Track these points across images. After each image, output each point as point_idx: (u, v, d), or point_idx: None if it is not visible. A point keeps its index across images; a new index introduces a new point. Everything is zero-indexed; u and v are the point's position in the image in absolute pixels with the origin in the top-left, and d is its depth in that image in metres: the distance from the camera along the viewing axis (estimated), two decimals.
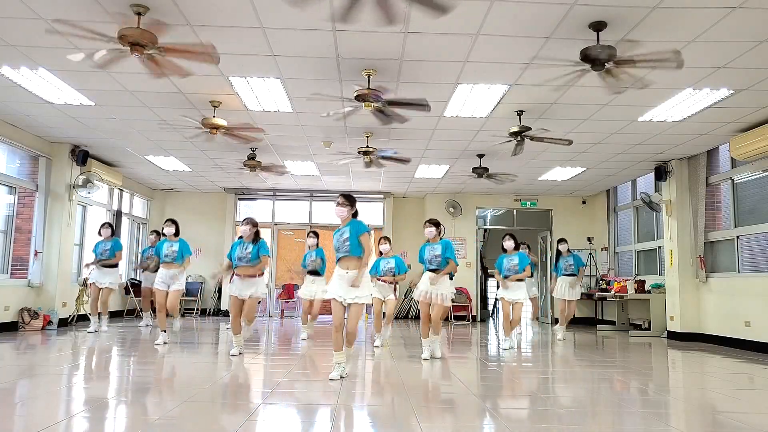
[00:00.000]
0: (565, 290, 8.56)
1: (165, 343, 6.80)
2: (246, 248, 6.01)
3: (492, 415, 3.62)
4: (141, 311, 9.32)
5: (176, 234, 7.03)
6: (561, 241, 8.82)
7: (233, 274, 6.11)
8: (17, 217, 8.62)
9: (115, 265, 8.34)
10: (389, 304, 7.30)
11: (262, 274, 6.15)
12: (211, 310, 12.45)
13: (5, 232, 8.44)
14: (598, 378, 5.16)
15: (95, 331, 8.03)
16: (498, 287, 7.74)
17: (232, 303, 6.07)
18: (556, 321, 9.78)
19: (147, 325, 8.91)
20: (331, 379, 4.64)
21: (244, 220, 6.15)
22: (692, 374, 5.65)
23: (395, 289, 7.34)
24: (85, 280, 9.39)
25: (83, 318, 9.39)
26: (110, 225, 8.51)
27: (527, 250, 8.93)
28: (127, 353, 6.14)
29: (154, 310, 10.26)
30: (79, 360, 5.61)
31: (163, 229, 7.11)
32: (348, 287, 4.65)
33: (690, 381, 5.27)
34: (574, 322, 11.30)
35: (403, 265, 7.33)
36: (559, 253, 8.74)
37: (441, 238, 6.26)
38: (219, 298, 12.48)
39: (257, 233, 6.10)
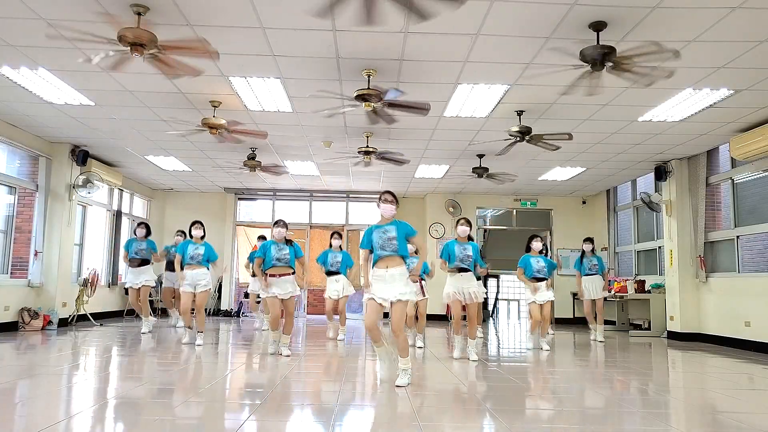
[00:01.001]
0: (592, 290, 8.49)
1: (193, 341, 6.91)
2: (282, 250, 6.12)
3: (492, 415, 3.62)
4: (158, 311, 9.35)
5: (203, 237, 7.14)
6: (587, 240, 8.69)
7: (266, 275, 6.13)
8: (17, 217, 8.62)
9: (149, 263, 8.47)
10: (420, 304, 7.27)
11: (294, 272, 6.23)
12: (212, 310, 12.45)
13: (5, 232, 8.43)
14: (599, 378, 5.16)
15: (149, 331, 8.21)
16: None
17: (271, 303, 6.10)
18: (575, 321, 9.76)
19: (176, 326, 9.02)
20: (397, 386, 4.44)
21: (277, 222, 6.26)
22: (692, 374, 5.65)
23: (422, 287, 7.19)
24: (86, 280, 9.43)
25: (83, 318, 9.39)
26: (146, 225, 8.62)
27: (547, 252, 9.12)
28: (127, 353, 6.14)
29: (154, 310, 10.35)
30: (79, 360, 5.61)
31: (191, 230, 7.15)
32: (388, 287, 4.55)
33: (690, 381, 5.27)
34: (572, 322, 11.32)
35: (425, 264, 7.33)
36: (583, 253, 8.65)
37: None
38: (219, 298, 12.49)
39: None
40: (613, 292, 10.04)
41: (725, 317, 8.10)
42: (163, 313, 10.58)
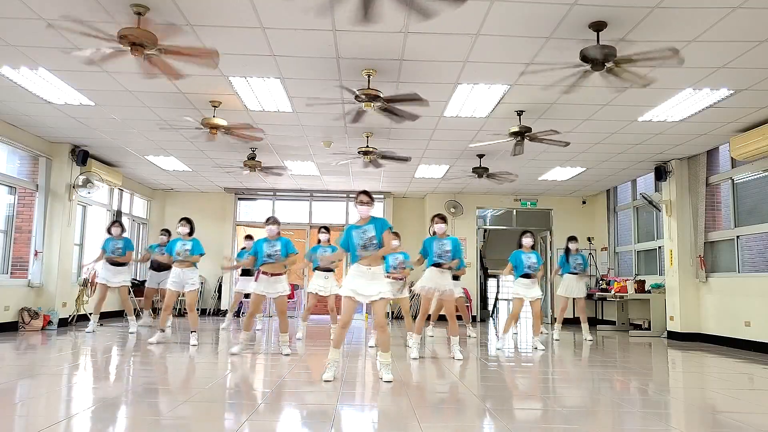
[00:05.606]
0: (572, 288, 8.61)
1: (159, 342, 6.86)
2: (274, 246, 6.09)
3: (492, 416, 3.62)
4: (141, 310, 9.35)
5: (190, 233, 7.08)
6: (571, 239, 8.82)
7: (258, 272, 6.16)
8: (17, 217, 8.62)
9: (126, 264, 8.39)
10: (403, 304, 7.23)
11: (287, 272, 6.21)
12: (211, 310, 12.45)
13: (5, 232, 8.43)
14: (598, 378, 5.16)
15: (93, 331, 8.03)
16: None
17: (253, 300, 6.08)
18: (574, 321, 9.82)
19: (143, 325, 8.93)
20: (325, 380, 4.60)
21: (269, 219, 6.24)
22: (692, 374, 5.65)
23: (404, 285, 7.23)
24: (86, 280, 9.43)
25: (83, 318, 9.38)
26: (120, 224, 8.55)
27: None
28: (127, 353, 6.14)
29: (154, 310, 10.32)
30: (79, 360, 5.61)
31: (177, 228, 7.11)
32: (370, 284, 4.68)
33: (690, 381, 5.27)
34: (573, 322, 11.31)
35: (407, 256, 7.30)
36: (568, 251, 8.77)
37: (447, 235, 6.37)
38: (219, 297, 12.49)
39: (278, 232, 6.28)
40: (613, 292, 10.05)
41: (725, 317, 8.10)
42: (155, 312, 10.55)
